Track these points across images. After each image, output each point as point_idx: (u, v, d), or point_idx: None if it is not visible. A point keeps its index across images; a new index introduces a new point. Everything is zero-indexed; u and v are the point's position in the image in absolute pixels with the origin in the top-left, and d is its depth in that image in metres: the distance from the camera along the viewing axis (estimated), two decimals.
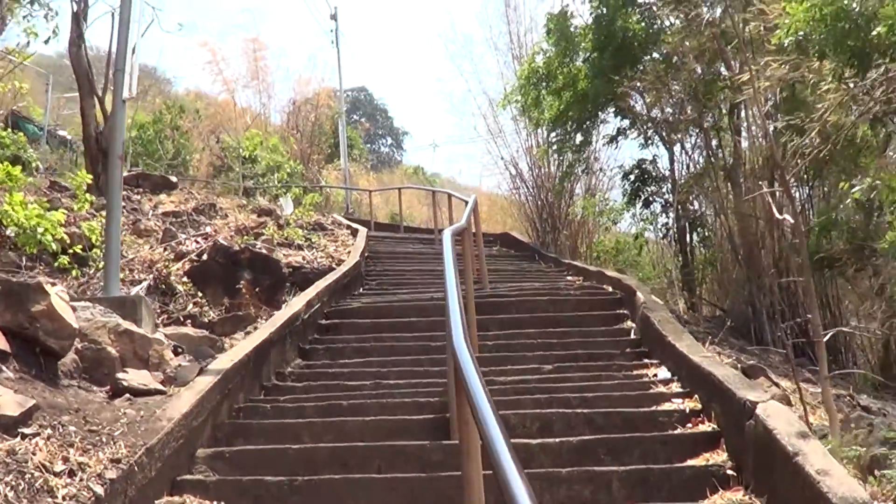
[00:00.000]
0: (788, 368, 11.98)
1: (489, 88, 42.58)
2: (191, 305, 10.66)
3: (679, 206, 17.86)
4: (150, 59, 40.80)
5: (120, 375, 6.06)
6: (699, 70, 16.00)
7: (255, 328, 10.51)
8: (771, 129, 15.29)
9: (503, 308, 9.70)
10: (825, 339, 6.90)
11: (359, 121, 43.92)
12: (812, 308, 7.18)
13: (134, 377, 6.16)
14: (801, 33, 8.38)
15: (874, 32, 8.19)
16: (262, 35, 56.69)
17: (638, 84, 16.33)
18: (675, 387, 6.58)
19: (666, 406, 6.13)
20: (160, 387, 6.14)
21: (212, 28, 76.31)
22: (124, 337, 6.73)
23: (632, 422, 5.86)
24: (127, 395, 5.81)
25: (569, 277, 13.30)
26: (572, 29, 18.17)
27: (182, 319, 10.09)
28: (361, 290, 12.18)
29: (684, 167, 18.48)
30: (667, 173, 18.95)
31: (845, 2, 8.22)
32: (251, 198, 18.56)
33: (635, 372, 7.31)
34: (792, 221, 7.45)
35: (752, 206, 15.75)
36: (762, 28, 10.14)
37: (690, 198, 18.10)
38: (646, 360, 7.68)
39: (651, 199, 19.32)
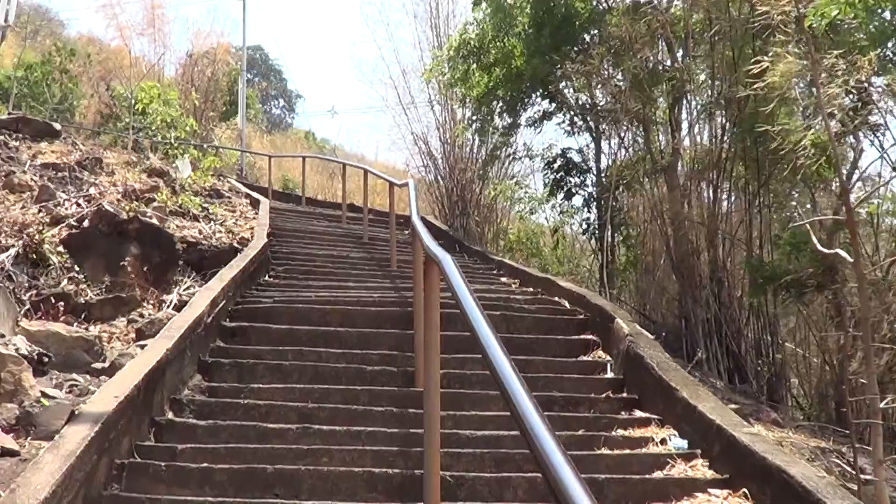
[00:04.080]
0: (731, 396, 10.81)
1: (404, 58, 40.68)
2: (65, 281, 9.05)
3: (605, 202, 16.57)
4: None
5: None
6: (647, 57, 14.65)
7: (141, 315, 8.89)
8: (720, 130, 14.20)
9: (449, 322, 8.04)
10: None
11: (253, 80, 41.59)
12: (870, 374, 5.72)
13: None
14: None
15: None
16: None
17: (581, 67, 14.85)
18: (703, 467, 5.04)
19: (703, 501, 4.64)
20: (12, 445, 4.46)
21: None
22: None
23: None
24: None
25: (503, 279, 11.74)
26: (510, 1, 16.59)
27: (53, 300, 8.40)
28: (268, 276, 10.41)
29: (612, 160, 17.27)
30: (593, 165, 17.78)
31: None
32: (142, 154, 16.48)
33: (636, 434, 5.77)
34: (851, 260, 6.02)
35: (691, 211, 14.59)
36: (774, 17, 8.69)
37: (617, 194, 16.82)
38: (638, 413, 6.21)
39: (574, 190, 18.07)
